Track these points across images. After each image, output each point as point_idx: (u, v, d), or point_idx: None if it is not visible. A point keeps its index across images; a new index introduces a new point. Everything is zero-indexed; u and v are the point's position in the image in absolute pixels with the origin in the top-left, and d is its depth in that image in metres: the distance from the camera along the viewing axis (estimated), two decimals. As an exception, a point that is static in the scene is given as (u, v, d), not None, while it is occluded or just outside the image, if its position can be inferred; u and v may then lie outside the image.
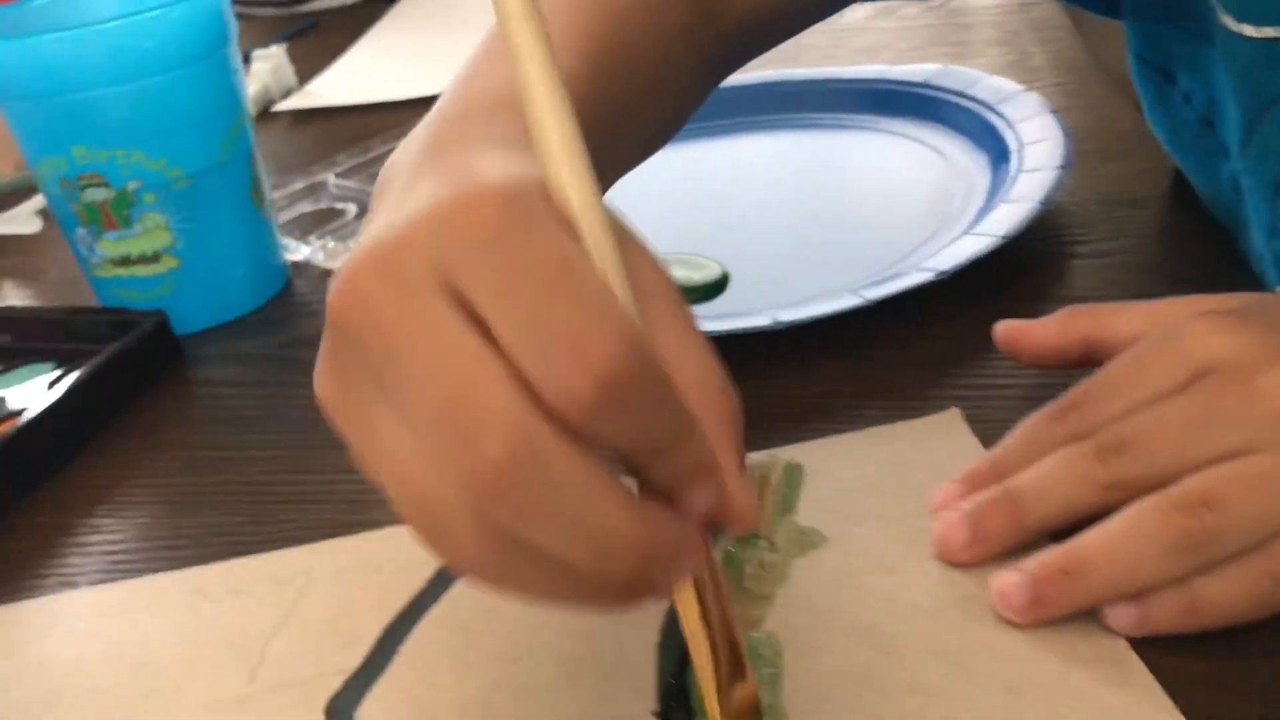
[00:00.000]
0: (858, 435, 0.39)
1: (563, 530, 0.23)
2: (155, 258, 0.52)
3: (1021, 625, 0.30)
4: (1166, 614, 0.29)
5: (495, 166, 0.25)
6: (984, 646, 0.30)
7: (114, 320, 0.51)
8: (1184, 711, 0.27)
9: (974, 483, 0.34)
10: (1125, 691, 0.28)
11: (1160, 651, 0.29)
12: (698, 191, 0.62)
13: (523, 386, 0.22)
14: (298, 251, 0.60)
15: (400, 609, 0.34)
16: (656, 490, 0.24)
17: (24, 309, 0.59)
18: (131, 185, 0.50)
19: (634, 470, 0.24)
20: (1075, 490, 0.31)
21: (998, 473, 0.33)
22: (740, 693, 0.25)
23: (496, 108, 0.31)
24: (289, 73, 0.90)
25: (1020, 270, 0.49)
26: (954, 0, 0.90)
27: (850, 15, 0.90)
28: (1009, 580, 0.30)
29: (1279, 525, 0.29)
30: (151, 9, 0.48)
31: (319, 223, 0.64)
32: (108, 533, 0.41)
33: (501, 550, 0.23)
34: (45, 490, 0.44)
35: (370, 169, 0.71)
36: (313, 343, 0.54)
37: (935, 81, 0.64)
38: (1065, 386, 0.36)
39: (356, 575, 0.36)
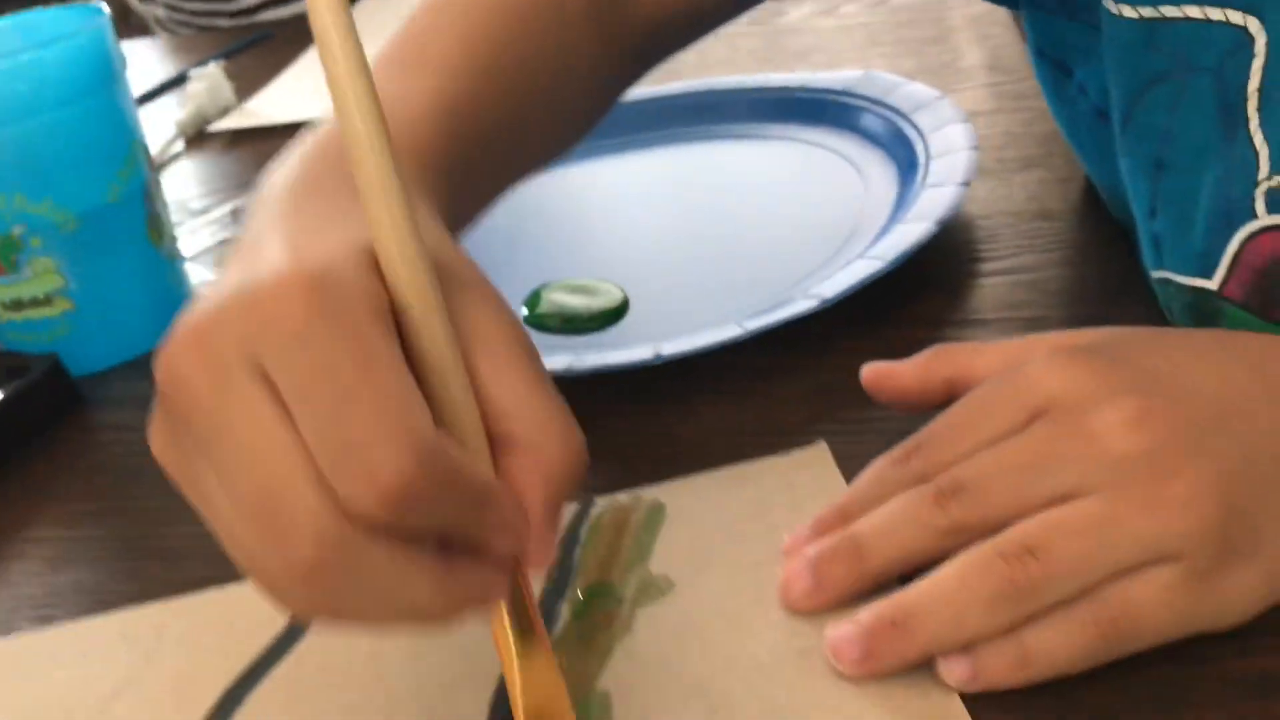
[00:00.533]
0: (723, 473, 0.38)
1: (374, 606, 0.26)
2: (48, 301, 0.51)
3: (855, 679, 0.30)
4: (997, 667, 0.28)
5: (323, 242, 0.27)
6: (816, 704, 0.29)
7: (4, 365, 0.51)
8: None
9: (822, 527, 0.33)
10: (948, 752, 0.27)
11: (994, 710, 0.29)
12: (606, 210, 0.61)
13: (327, 486, 0.24)
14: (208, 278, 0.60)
15: (241, 671, 0.34)
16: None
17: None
18: (16, 230, 0.49)
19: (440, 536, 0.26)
20: (915, 536, 0.31)
21: (844, 517, 0.33)
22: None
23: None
24: (226, 91, 0.89)
25: (921, 289, 0.48)
26: (894, -2, 0.89)
27: (789, 15, 0.89)
28: (841, 633, 0.30)
29: (1104, 571, 0.28)
30: (23, 50, 0.47)
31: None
32: (-22, 592, 0.41)
33: (326, 610, 0.26)
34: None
35: (294, 192, 0.70)
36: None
37: (855, 89, 0.63)
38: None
39: (207, 633, 0.35)
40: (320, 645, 0.34)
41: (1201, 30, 0.36)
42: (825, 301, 0.44)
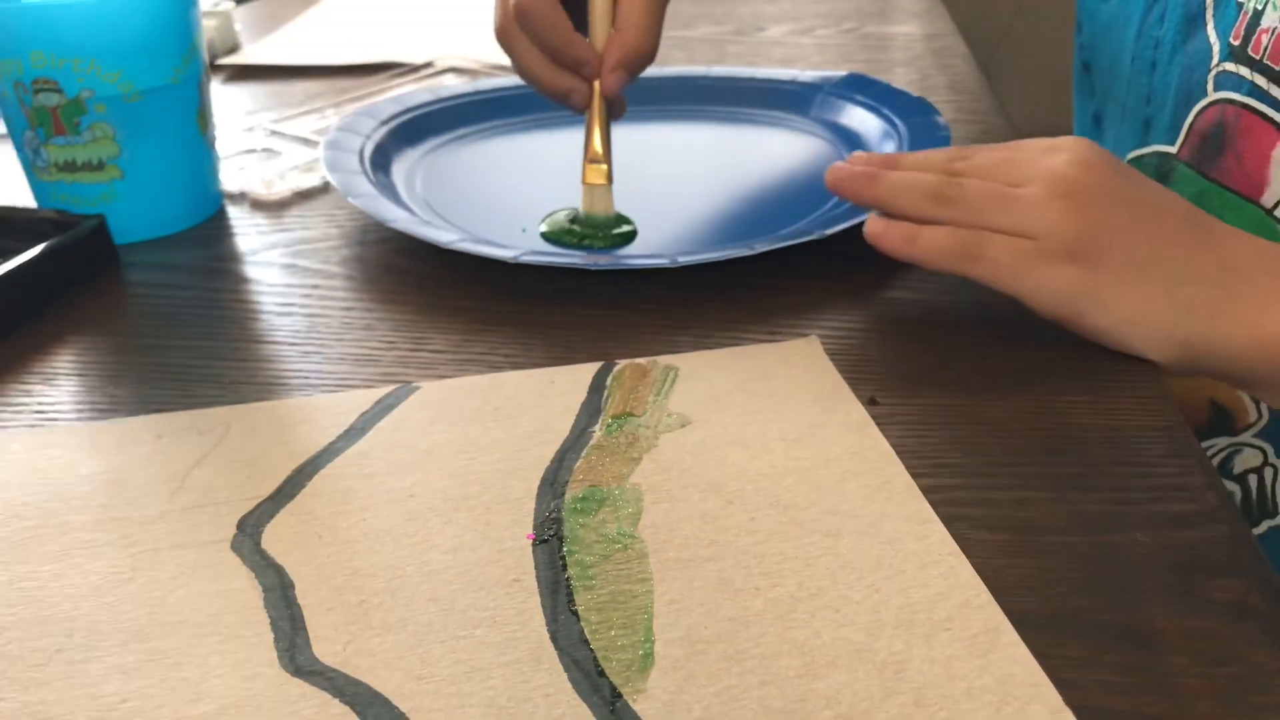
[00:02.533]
0: (729, 350, 0.44)
1: (521, 64, 0.55)
2: (100, 166, 0.55)
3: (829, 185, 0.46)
4: (896, 234, 0.44)
5: None
6: (813, 504, 0.35)
7: (56, 220, 0.54)
8: (983, 573, 0.33)
9: (874, 160, 0.47)
10: (924, 542, 0.33)
11: (966, 525, 0.35)
12: (624, 166, 0.67)
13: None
14: (233, 182, 0.64)
15: (312, 453, 0.38)
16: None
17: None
18: (84, 94, 0.53)
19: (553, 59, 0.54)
20: (916, 200, 0.44)
21: (889, 164, 0.47)
22: (596, 160, 0.56)
23: None
24: (233, 32, 0.93)
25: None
26: (866, 26, 0.97)
27: (769, 30, 0.97)
28: (838, 165, 0.46)
29: (989, 218, 0.42)
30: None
31: (251, 163, 0.68)
32: (40, 395, 0.45)
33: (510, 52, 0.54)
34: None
35: (307, 120, 0.75)
36: (241, 258, 0.59)
37: (840, 85, 0.70)
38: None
39: (272, 429, 0.40)
40: (382, 441, 0.39)
41: None
42: (820, 233, 0.50)
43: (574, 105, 0.55)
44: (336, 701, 0.29)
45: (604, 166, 0.55)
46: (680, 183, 0.63)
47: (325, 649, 0.31)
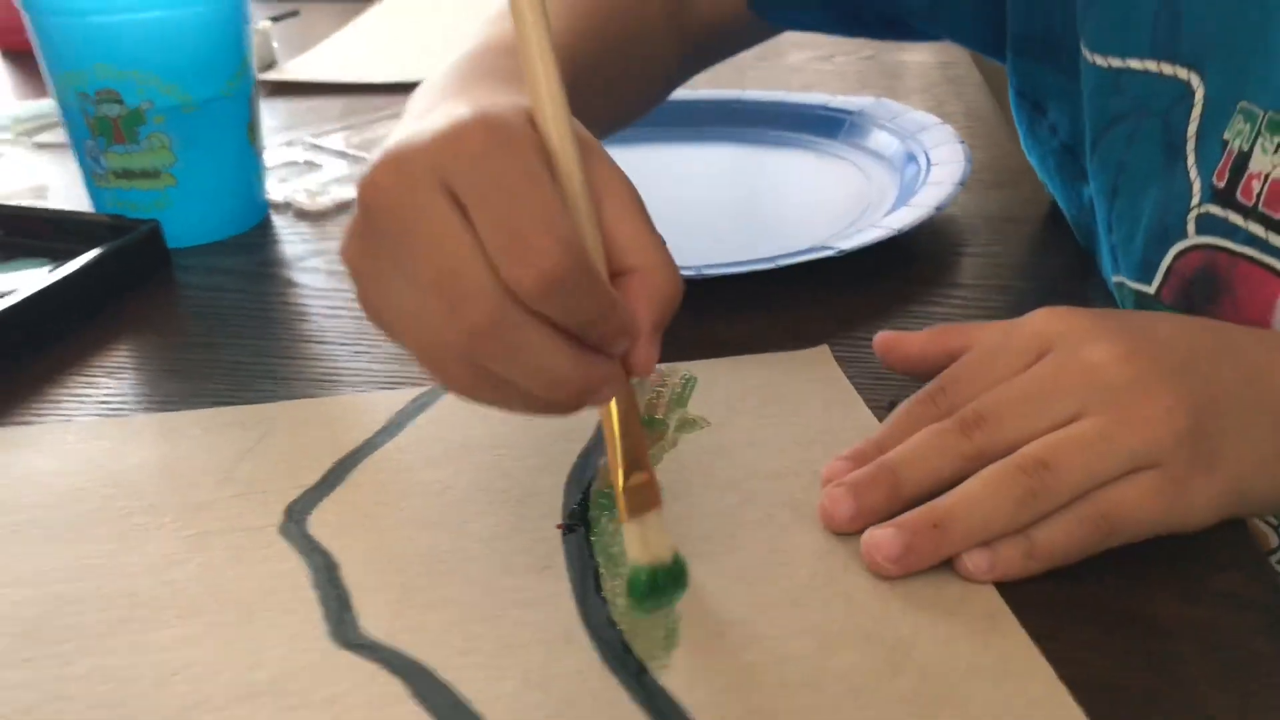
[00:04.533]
0: (746, 358, 0.46)
1: (524, 373, 0.31)
2: (155, 174, 0.58)
3: (891, 575, 0.34)
4: (1012, 559, 0.34)
5: (493, 99, 0.34)
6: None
7: (111, 224, 0.57)
8: (1026, 625, 0.33)
9: (858, 459, 0.38)
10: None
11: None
12: (653, 185, 0.69)
13: (495, 269, 0.30)
14: (276, 192, 0.67)
15: (352, 447, 0.41)
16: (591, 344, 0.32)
17: (23, 208, 0.64)
18: (143, 105, 0.56)
19: (575, 334, 0.31)
20: (943, 461, 0.36)
21: (880, 448, 0.38)
22: (637, 479, 0.33)
23: (502, 53, 0.42)
24: (271, 49, 0.96)
25: (915, 259, 0.58)
26: (884, 54, 1.00)
27: (791, 58, 0.99)
28: (883, 533, 0.34)
29: (1101, 478, 0.34)
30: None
31: (293, 175, 0.71)
32: (102, 388, 0.47)
33: (481, 381, 0.32)
34: (39, 361, 0.50)
35: (343, 135, 0.78)
36: (288, 264, 0.61)
37: (868, 110, 0.72)
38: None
39: (313, 426, 0.43)
40: (418, 435, 0.41)
41: (1154, 81, 0.44)
42: (842, 251, 0.53)
43: (603, 400, 0.34)
44: (385, 672, 0.31)
45: (647, 476, 0.34)
46: (711, 203, 0.65)
47: (372, 625, 0.33)
